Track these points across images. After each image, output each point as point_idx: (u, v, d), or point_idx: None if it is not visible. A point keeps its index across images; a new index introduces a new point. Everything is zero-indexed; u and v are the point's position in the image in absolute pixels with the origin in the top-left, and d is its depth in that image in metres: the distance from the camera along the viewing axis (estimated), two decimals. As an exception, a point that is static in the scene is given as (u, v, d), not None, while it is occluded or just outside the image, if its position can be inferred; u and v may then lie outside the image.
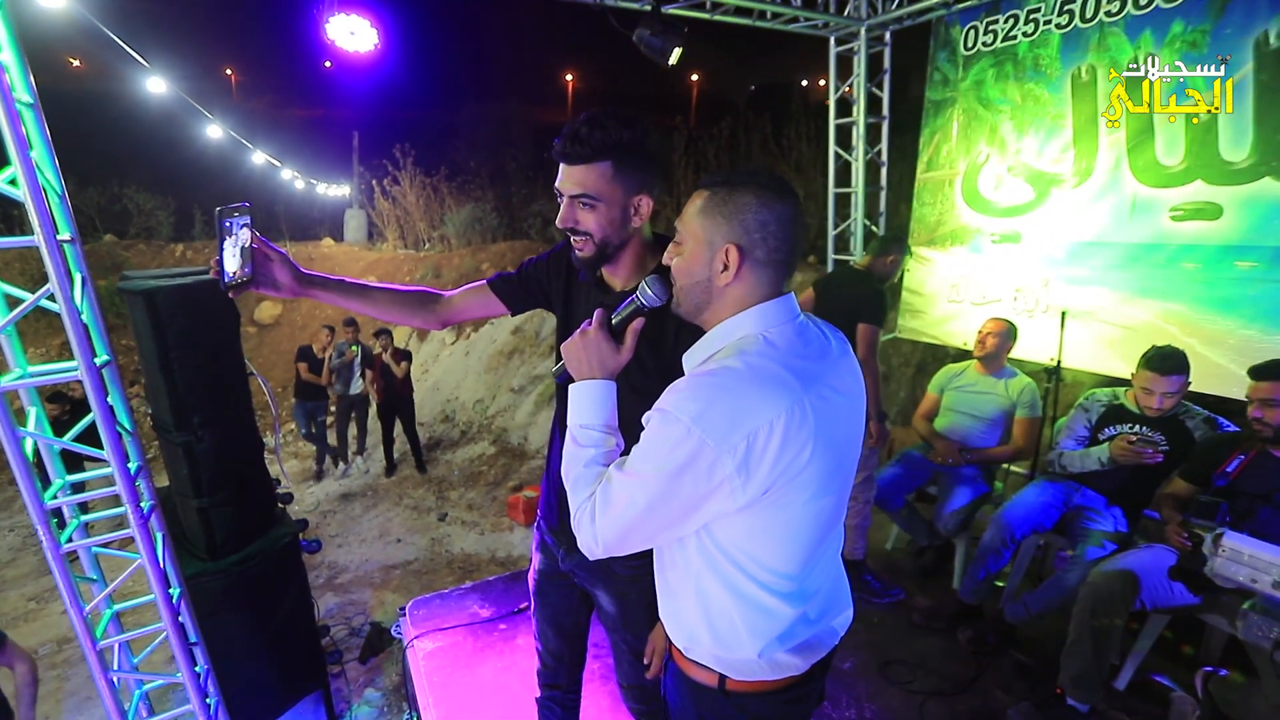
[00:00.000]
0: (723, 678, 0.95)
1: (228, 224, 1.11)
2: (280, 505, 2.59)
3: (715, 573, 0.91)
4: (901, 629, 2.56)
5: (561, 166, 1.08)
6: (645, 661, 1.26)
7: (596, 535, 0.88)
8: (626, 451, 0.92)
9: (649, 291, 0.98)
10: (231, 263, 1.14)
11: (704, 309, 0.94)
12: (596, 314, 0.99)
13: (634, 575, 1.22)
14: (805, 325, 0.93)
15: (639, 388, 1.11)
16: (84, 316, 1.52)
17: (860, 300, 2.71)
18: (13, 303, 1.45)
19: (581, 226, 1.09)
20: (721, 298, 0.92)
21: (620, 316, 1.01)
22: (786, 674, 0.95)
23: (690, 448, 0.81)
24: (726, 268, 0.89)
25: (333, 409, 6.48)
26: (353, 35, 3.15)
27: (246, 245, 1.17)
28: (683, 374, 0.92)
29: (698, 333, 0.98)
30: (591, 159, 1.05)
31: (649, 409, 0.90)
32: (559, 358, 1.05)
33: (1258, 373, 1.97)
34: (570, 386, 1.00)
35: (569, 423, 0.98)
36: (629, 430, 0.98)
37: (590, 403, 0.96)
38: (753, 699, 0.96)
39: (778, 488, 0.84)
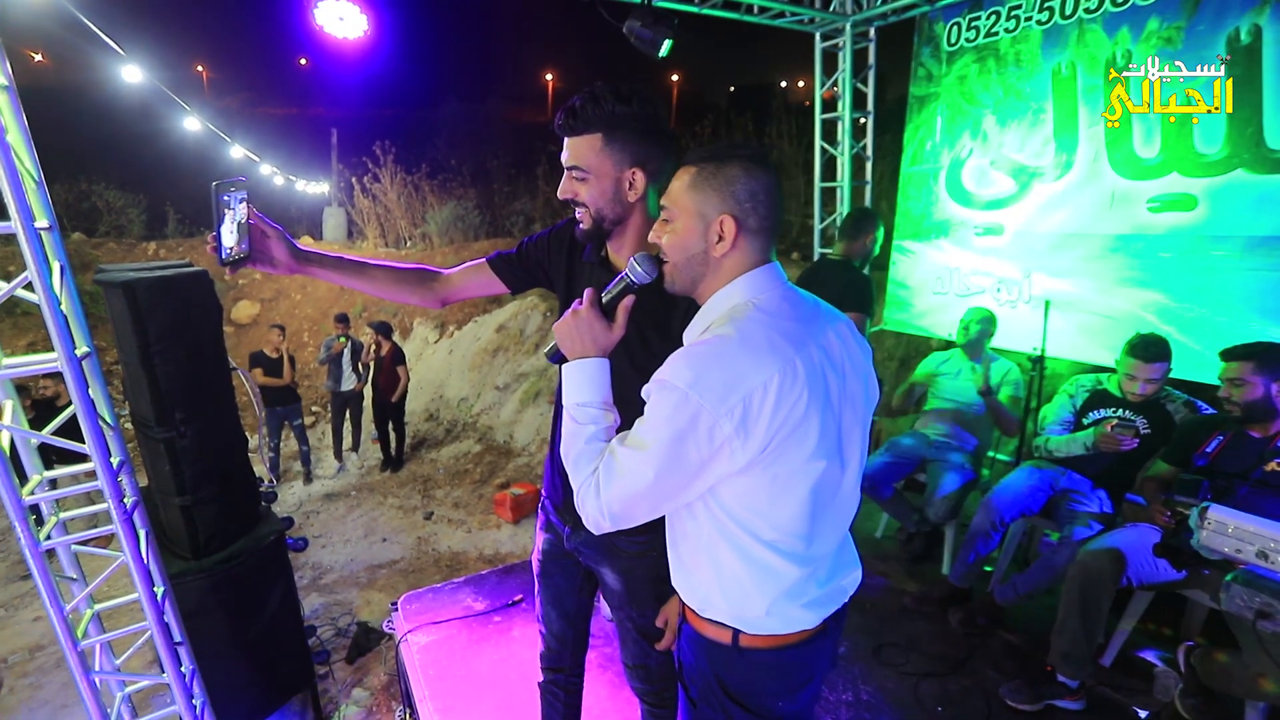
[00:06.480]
0: (736, 633, 0.97)
1: (225, 198, 1.09)
2: (264, 504, 2.54)
3: (726, 538, 0.93)
4: (893, 613, 2.59)
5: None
6: (659, 625, 1.26)
7: (603, 509, 0.90)
8: (627, 427, 0.94)
9: (638, 269, 0.99)
10: (229, 238, 1.12)
11: (699, 282, 0.97)
12: (587, 293, 1.01)
13: (640, 551, 1.21)
14: (793, 291, 0.97)
15: (644, 368, 1.10)
16: (63, 306, 1.47)
17: (845, 289, 2.72)
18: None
19: (578, 198, 1.12)
20: (717, 269, 0.95)
21: (610, 295, 1.01)
22: (798, 628, 0.97)
23: (689, 412, 0.83)
24: (721, 238, 0.92)
25: (314, 409, 6.36)
26: (342, 21, 3.07)
27: (243, 221, 1.15)
28: None
29: None
30: (582, 131, 1.08)
31: None
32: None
33: (1227, 355, 2.04)
34: (564, 366, 1.01)
35: (565, 402, 0.99)
36: (632, 410, 0.98)
37: (586, 380, 0.98)
38: (765, 654, 0.98)
39: (776, 444, 0.86)
